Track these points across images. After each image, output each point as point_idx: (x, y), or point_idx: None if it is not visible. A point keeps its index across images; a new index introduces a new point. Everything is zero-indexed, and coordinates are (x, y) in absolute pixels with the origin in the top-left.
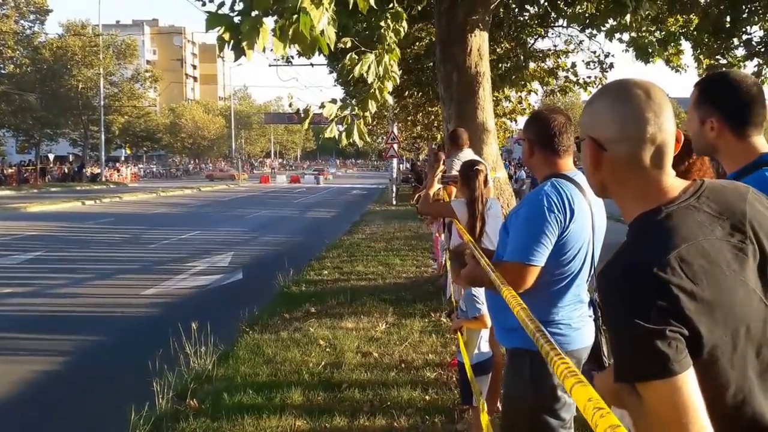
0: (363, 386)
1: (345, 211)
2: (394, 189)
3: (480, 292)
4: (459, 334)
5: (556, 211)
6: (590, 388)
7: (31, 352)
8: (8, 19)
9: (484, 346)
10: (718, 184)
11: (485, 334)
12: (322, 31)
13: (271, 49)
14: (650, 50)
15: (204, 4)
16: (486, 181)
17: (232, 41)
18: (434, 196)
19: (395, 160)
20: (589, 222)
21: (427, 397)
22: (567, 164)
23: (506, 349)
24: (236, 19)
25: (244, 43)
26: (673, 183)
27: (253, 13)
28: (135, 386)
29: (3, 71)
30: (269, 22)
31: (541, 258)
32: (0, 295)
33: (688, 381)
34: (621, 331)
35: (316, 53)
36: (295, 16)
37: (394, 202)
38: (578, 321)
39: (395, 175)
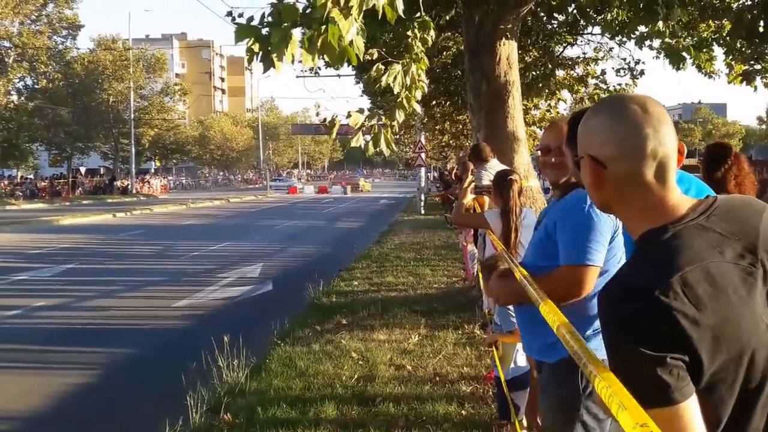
0: (397, 400)
1: (373, 221)
2: (423, 198)
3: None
4: (494, 348)
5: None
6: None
7: (64, 364)
8: (42, 35)
9: (521, 360)
10: (733, 201)
11: (521, 347)
12: (351, 42)
13: (300, 61)
14: (685, 55)
15: (233, 20)
16: (520, 191)
17: (261, 53)
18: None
19: (423, 169)
20: None
21: (463, 412)
22: None
23: (547, 363)
24: (264, 31)
25: (274, 55)
26: (680, 200)
27: (282, 25)
28: (168, 399)
29: (36, 86)
30: (297, 34)
31: (600, 258)
32: (34, 307)
33: (690, 409)
34: (620, 356)
35: (344, 64)
36: (324, 27)
37: (423, 212)
38: None
39: (423, 184)
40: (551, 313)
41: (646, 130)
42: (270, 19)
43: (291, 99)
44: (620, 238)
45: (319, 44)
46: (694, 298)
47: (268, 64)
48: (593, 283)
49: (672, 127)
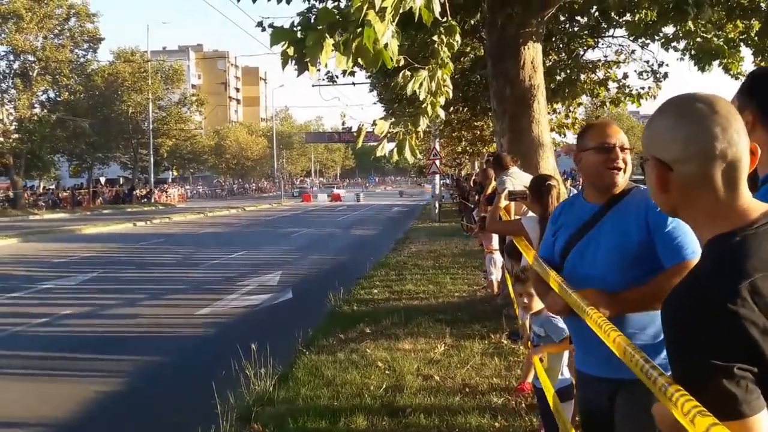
0: (428, 411)
1: (388, 229)
2: (437, 205)
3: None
4: (538, 360)
5: None
6: (725, 429)
7: (92, 372)
8: (64, 48)
9: (565, 371)
10: None
11: (565, 358)
12: (386, 45)
13: (323, 66)
14: (715, 53)
15: (263, 30)
16: (559, 197)
17: (295, 56)
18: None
19: (437, 177)
20: None
21: (496, 424)
22: None
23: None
24: (299, 35)
25: (308, 58)
26: (751, 204)
27: (318, 28)
28: (196, 407)
29: (59, 98)
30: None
31: None
32: (60, 315)
33: (761, 424)
34: (685, 366)
35: (377, 67)
36: (359, 30)
37: (438, 218)
38: None
39: (438, 191)
40: (604, 324)
41: (714, 129)
42: (300, 27)
43: (305, 108)
44: None
45: (353, 48)
46: (764, 306)
47: (302, 67)
48: None
49: (742, 126)
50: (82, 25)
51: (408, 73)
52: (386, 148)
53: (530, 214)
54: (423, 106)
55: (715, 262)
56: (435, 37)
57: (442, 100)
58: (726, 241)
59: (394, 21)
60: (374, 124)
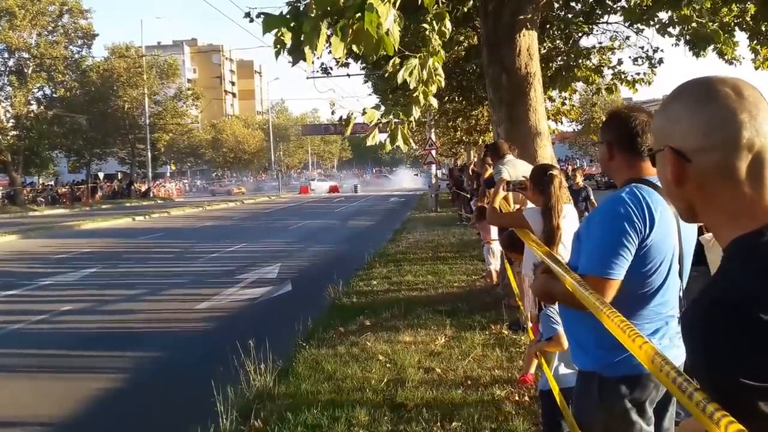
0: (430, 405)
1: (385, 219)
2: (434, 196)
3: (556, 310)
4: (543, 361)
5: (634, 219)
6: None
7: (92, 368)
8: (58, 45)
9: (563, 370)
10: None
11: (565, 355)
12: (388, 31)
13: (329, 52)
14: (711, 39)
15: (251, 21)
16: (561, 187)
17: (290, 45)
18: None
19: (434, 167)
20: (674, 232)
21: (500, 417)
22: (650, 167)
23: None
24: (292, 23)
25: (306, 46)
26: None
27: (313, 14)
28: (196, 403)
29: (55, 95)
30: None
31: (620, 271)
32: (60, 311)
33: None
34: (713, 385)
35: (356, 62)
36: (359, 15)
37: (434, 209)
38: (661, 341)
39: (434, 181)
40: (628, 329)
41: (741, 116)
42: (289, 15)
43: (300, 100)
44: (656, 246)
45: (351, 34)
46: None
47: (297, 56)
48: (611, 296)
49: None
50: (76, 22)
51: (398, 60)
52: (377, 137)
53: (529, 204)
54: (414, 95)
55: (743, 265)
56: (425, 25)
57: (433, 88)
58: (753, 241)
59: (395, 5)
60: (364, 112)
